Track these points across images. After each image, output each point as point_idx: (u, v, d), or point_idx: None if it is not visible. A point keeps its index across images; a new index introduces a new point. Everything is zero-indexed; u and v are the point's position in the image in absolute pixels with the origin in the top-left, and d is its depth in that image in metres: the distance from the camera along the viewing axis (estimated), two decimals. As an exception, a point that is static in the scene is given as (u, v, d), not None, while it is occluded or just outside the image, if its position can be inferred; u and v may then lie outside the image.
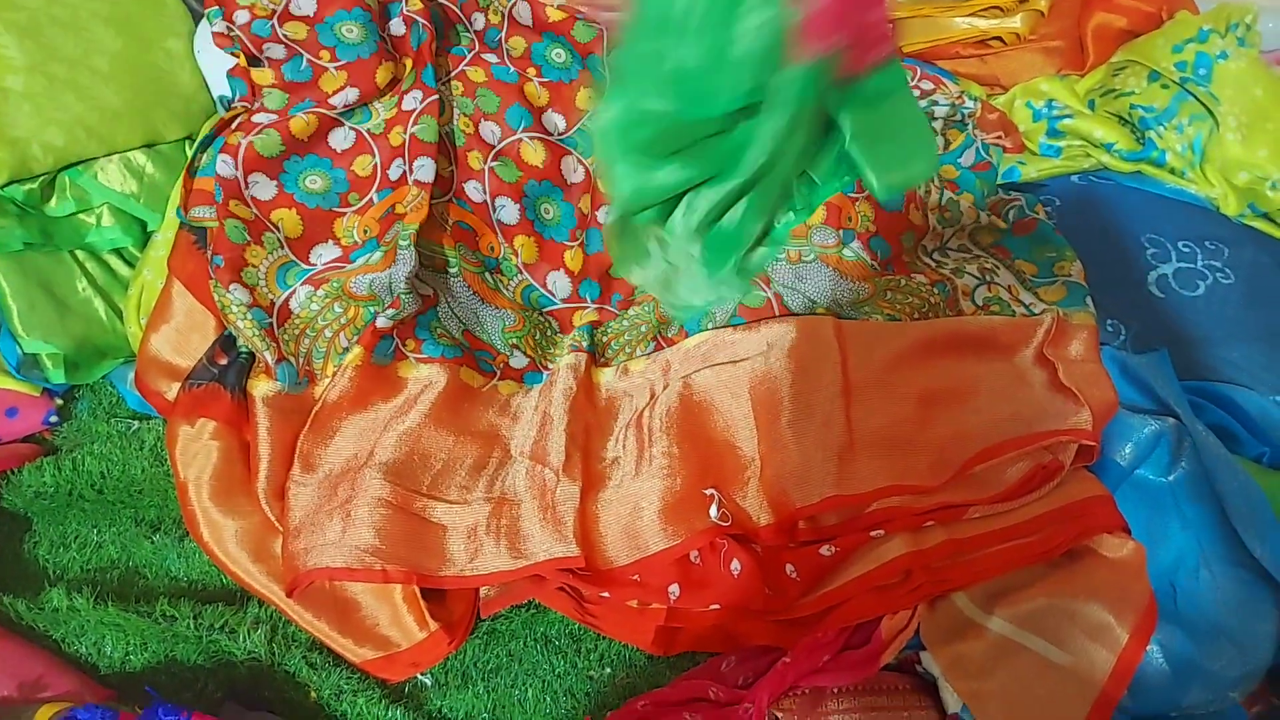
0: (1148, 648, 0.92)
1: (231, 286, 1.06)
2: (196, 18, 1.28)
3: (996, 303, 1.19)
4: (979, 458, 1.02)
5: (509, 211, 1.21)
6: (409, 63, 1.21)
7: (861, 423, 1.05)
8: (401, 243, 1.08)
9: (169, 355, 1.09)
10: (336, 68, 1.18)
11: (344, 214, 1.16)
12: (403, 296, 1.06)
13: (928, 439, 1.05)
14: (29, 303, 1.11)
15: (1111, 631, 0.92)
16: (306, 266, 1.13)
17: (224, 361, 1.06)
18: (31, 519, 1.09)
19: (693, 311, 1.12)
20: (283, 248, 1.12)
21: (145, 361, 1.09)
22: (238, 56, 1.17)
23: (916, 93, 1.39)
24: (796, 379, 1.07)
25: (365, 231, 1.15)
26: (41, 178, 1.12)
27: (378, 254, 1.11)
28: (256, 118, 1.14)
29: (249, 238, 1.09)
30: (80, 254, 1.18)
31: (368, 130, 1.18)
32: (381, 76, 1.19)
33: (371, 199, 1.17)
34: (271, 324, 1.07)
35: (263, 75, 1.16)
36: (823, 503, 1.00)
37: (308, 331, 1.08)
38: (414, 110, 1.17)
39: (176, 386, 1.05)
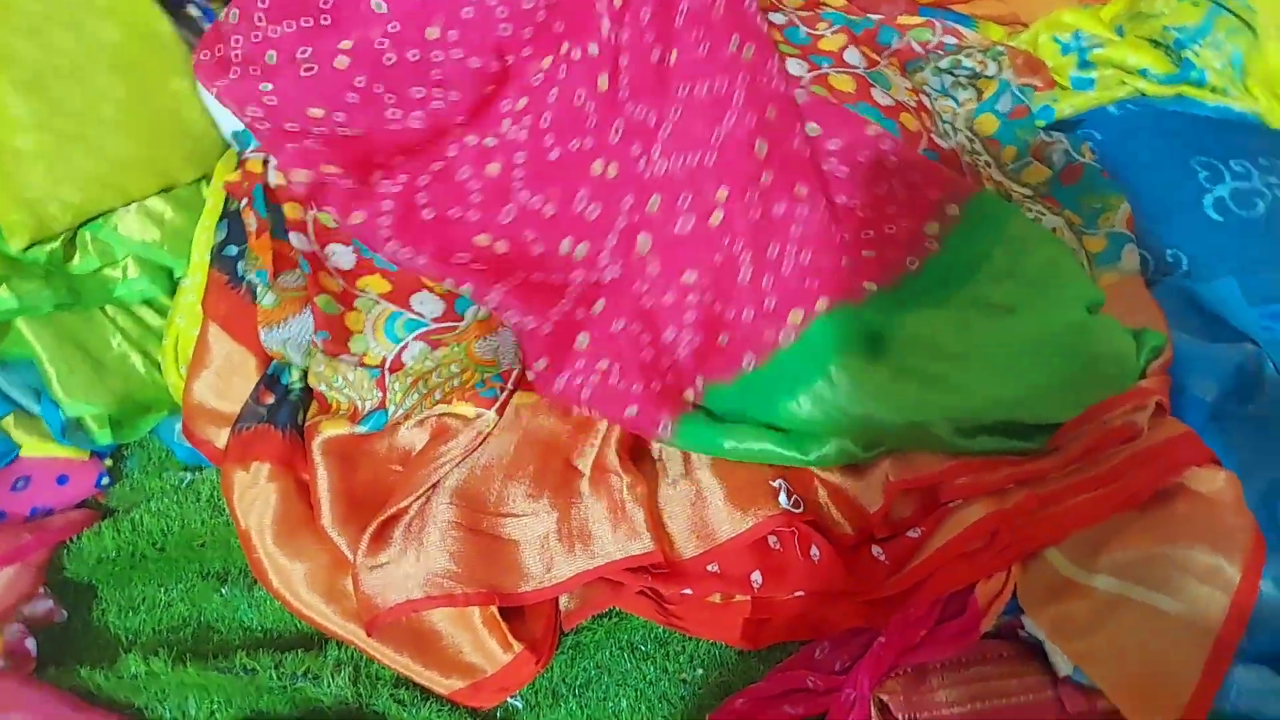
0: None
1: (341, 356, 1.04)
2: (196, 54, 1.24)
3: None
4: None
5: None
6: None
7: None
8: None
9: (213, 402, 1.06)
10: None
11: None
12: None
13: None
14: (67, 366, 1.09)
15: (1222, 572, 0.87)
16: (414, 316, 1.09)
17: (270, 401, 1.04)
18: (97, 586, 1.07)
19: None
20: (379, 303, 1.09)
21: (190, 410, 1.07)
22: None
23: (940, 53, 1.35)
24: None
25: None
26: (62, 236, 1.10)
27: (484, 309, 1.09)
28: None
29: (341, 307, 1.08)
30: (110, 310, 1.16)
31: None
32: None
33: None
34: (381, 375, 1.04)
35: None
36: (886, 490, 0.97)
37: (419, 385, 1.04)
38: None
39: (225, 433, 1.03)
